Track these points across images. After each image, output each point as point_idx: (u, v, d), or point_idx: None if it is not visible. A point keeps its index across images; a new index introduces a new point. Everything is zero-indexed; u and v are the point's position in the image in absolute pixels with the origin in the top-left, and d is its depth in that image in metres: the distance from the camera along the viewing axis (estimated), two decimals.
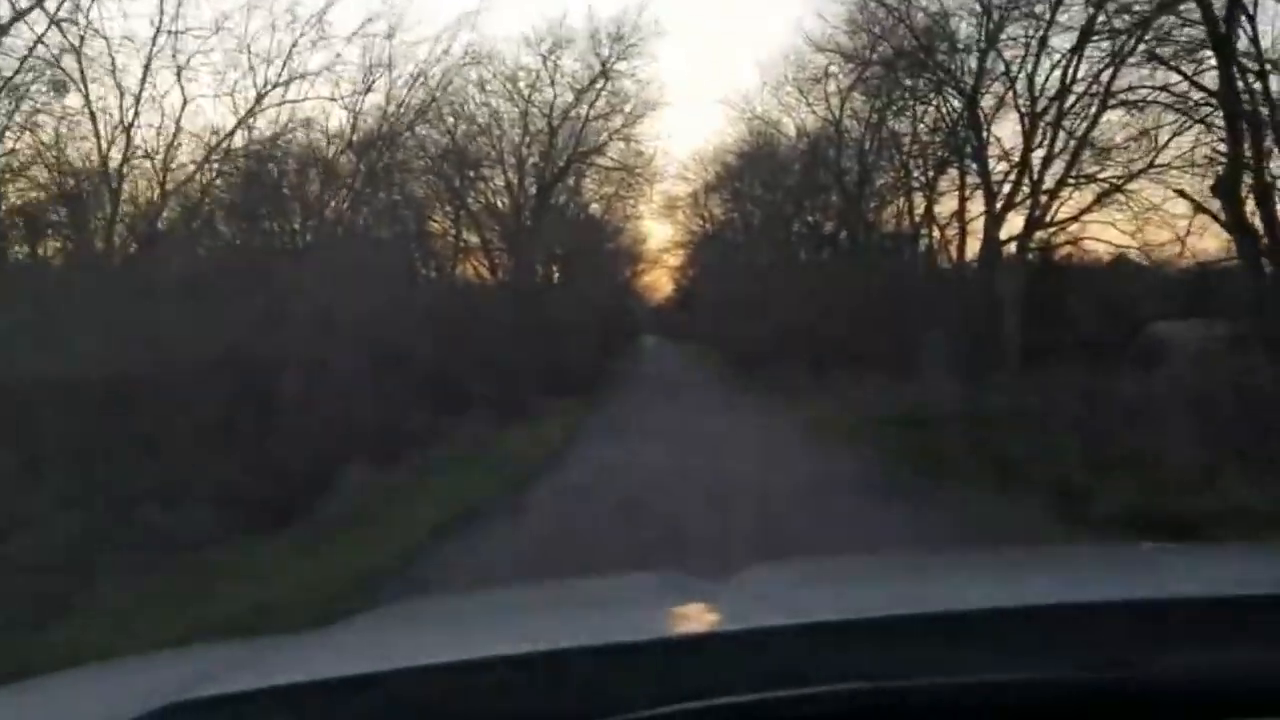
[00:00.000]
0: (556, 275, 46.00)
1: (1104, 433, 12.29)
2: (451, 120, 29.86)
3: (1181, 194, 14.95)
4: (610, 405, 30.49)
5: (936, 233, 25.85)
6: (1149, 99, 17.74)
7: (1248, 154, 13.10)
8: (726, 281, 51.39)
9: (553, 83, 31.60)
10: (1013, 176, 19.55)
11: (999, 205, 19.95)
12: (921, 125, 24.87)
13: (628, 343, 76.25)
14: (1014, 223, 20.38)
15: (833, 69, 29.48)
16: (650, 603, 1.81)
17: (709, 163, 44.54)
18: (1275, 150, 13.18)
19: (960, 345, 18.68)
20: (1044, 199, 18.86)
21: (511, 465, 16.26)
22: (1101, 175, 18.94)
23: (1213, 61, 14.65)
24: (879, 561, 2.52)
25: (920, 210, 26.63)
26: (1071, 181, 18.87)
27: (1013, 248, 19.84)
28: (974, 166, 21.64)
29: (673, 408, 26.40)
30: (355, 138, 20.71)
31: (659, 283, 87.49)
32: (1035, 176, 19.12)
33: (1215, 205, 14.51)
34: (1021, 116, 19.60)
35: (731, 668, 1.13)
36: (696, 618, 1.55)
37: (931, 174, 25.37)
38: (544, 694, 1.14)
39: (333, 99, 21.51)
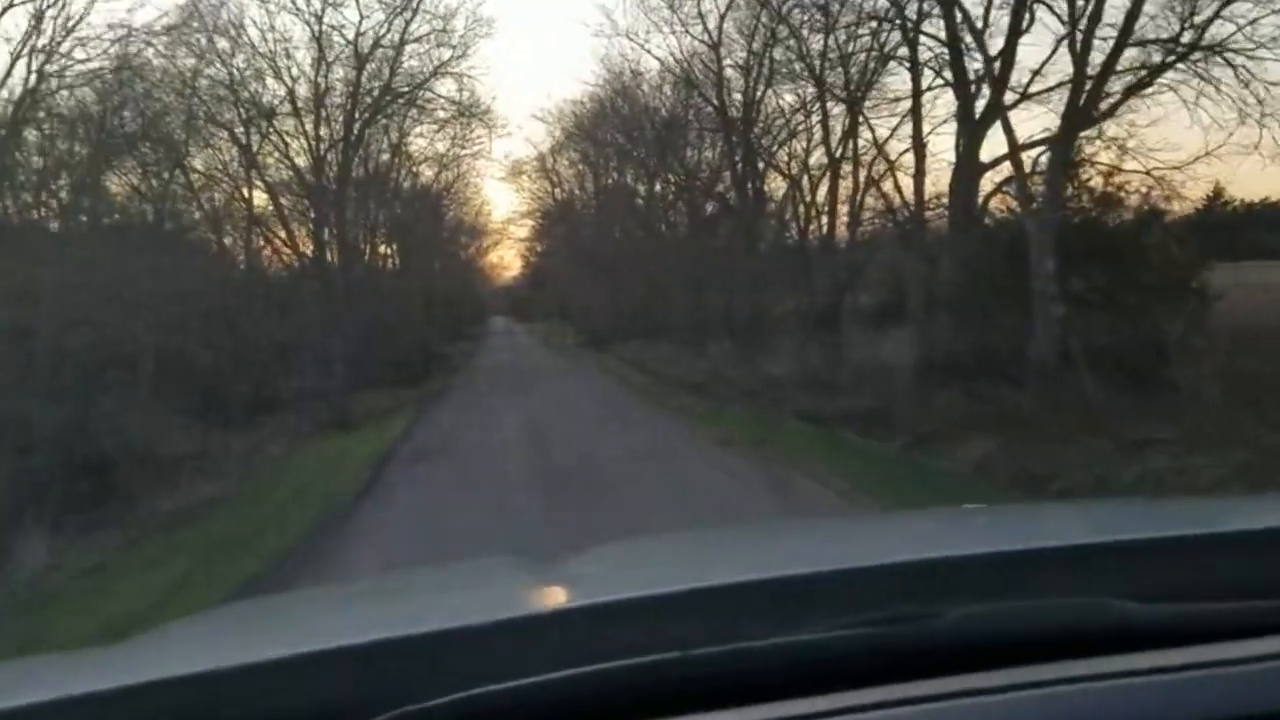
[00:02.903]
0: (385, 250, 39.35)
1: None
2: (224, 45, 23.03)
3: None
4: (448, 404, 24.48)
5: (861, 166, 19.88)
6: None
7: None
8: (579, 253, 45.60)
9: None
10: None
11: (980, 109, 14.29)
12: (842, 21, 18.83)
13: (474, 325, 70.62)
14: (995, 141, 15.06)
15: None
16: (481, 587, 1.85)
17: (560, 117, 38.21)
18: None
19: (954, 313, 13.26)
20: (1085, 89, 12.75)
21: (277, 529, 10.22)
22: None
23: None
24: (701, 536, 2.50)
25: (838, 138, 20.82)
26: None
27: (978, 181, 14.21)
28: (930, 59, 15.75)
29: (522, 407, 20.57)
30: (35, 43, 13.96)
31: (507, 260, 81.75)
32: (1079, 47, 13.00)
33: None
34: None
35: (541, 648, 1.18)
36: (521, 600, 1.56)
37: (858, 85, 19.66)
38: (363, 684, 1.13)
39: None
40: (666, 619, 1.21)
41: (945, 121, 18.05)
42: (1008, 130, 13.23)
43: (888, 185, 18.87)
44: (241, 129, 24.60)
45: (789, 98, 22.88)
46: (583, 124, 36.93)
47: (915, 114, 17.17)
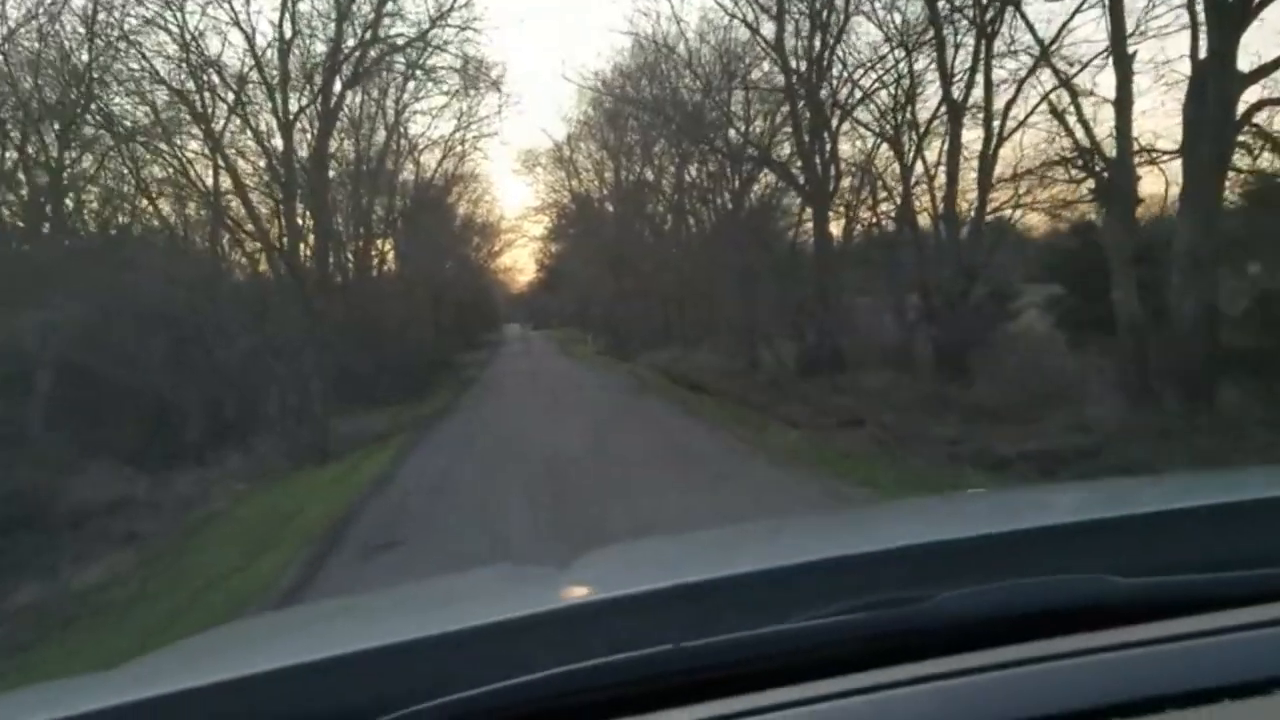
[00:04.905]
0: (383, 247, 34.96)
1: None
2: None
3: None
4: (452, 429, 20.13)
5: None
6: None
7: None
8: (600, 250, 41.11)
9: None
10: None
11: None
12: None
13: (487, 333, 66.41)
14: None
15: None
16: (481, 595, 1.83)
17: (582, 93, 33.55)
18: None
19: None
20: None
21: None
22: None
23: None
24: (700, 536, 2.41)
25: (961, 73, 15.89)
26: None
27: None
28: None
29: (545, 438, 16.09)
30: None
31: (521, 263, 77.82)
32: None
33: None
34: None
35: (537, 648, 1.16)
36: (520, 603, 1.45)
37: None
38: (364, 690, 1.13)
39: None
40: (658, 614, 1.21)
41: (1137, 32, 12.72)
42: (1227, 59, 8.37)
43: (1055, 126, 13.76)
44: (193, 87, 20.01)
45: (878, 32, 18.08)
46: (605, 100, 32.39)
47: (1115, 11, 11.25)
